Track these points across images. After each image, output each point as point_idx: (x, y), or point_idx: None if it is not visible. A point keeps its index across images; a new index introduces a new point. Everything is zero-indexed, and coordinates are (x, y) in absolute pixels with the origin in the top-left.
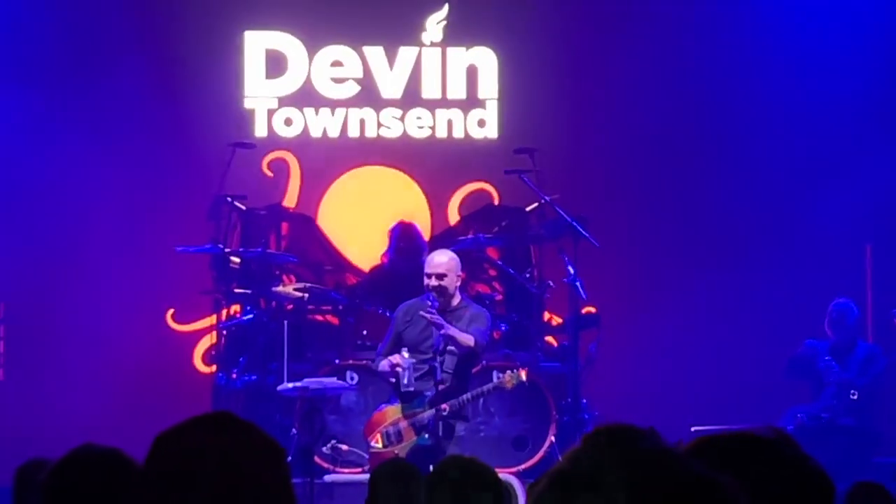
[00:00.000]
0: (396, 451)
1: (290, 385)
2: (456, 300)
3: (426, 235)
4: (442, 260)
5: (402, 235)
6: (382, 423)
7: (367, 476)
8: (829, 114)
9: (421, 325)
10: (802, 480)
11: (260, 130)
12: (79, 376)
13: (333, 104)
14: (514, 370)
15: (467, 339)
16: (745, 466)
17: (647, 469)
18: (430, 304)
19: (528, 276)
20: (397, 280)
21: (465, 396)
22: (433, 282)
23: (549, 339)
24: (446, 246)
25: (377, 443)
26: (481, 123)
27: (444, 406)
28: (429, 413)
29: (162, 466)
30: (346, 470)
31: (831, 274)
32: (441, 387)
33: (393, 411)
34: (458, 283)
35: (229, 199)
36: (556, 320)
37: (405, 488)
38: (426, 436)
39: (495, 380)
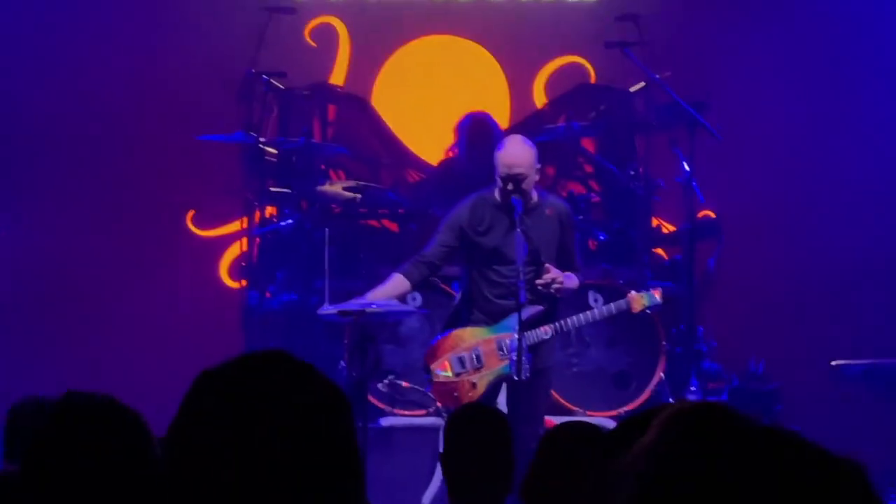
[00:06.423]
0: (474, 381)
1: (335, 308)
2: (534, 197)
3: (505, 123)
4: (521, 155)
5: (474, 131)
6: (455, 348)
7: (431, 420)
8: None
9: (501, 231)
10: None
11: None
12: None
13: None
14: (647, 290)
15: (575, 283)
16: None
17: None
18: (516, 216)
19: (632, 173)
20: (471, 178)
21: (576, 318)
22: (512, 186)
23: (659, 251)
24: (531, 135)
25: (445, 370)
26: None
27: (545, 328)
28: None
29: (206, 406)
30: (407, 412)
31: None
32: (527, 309)
33: (470, 334)
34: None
35: (264, 76)
36: (667, 228)
37: (492, 435)
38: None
39: (591, 303)
